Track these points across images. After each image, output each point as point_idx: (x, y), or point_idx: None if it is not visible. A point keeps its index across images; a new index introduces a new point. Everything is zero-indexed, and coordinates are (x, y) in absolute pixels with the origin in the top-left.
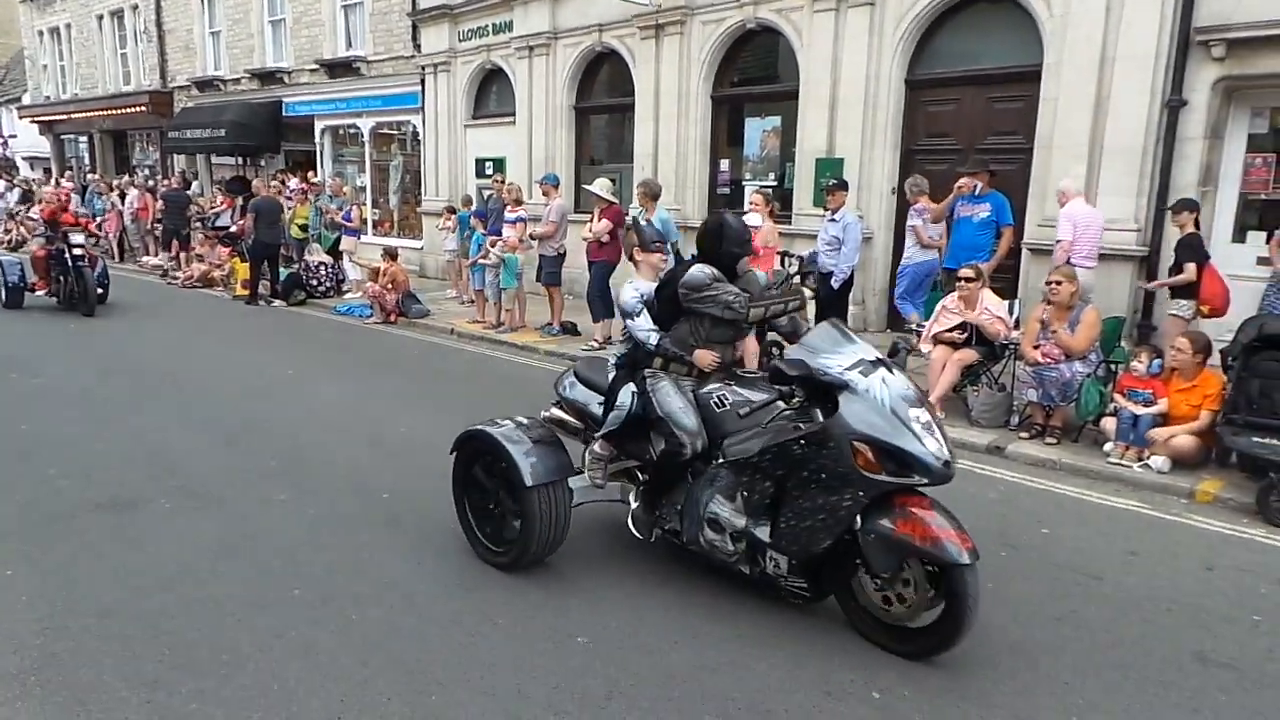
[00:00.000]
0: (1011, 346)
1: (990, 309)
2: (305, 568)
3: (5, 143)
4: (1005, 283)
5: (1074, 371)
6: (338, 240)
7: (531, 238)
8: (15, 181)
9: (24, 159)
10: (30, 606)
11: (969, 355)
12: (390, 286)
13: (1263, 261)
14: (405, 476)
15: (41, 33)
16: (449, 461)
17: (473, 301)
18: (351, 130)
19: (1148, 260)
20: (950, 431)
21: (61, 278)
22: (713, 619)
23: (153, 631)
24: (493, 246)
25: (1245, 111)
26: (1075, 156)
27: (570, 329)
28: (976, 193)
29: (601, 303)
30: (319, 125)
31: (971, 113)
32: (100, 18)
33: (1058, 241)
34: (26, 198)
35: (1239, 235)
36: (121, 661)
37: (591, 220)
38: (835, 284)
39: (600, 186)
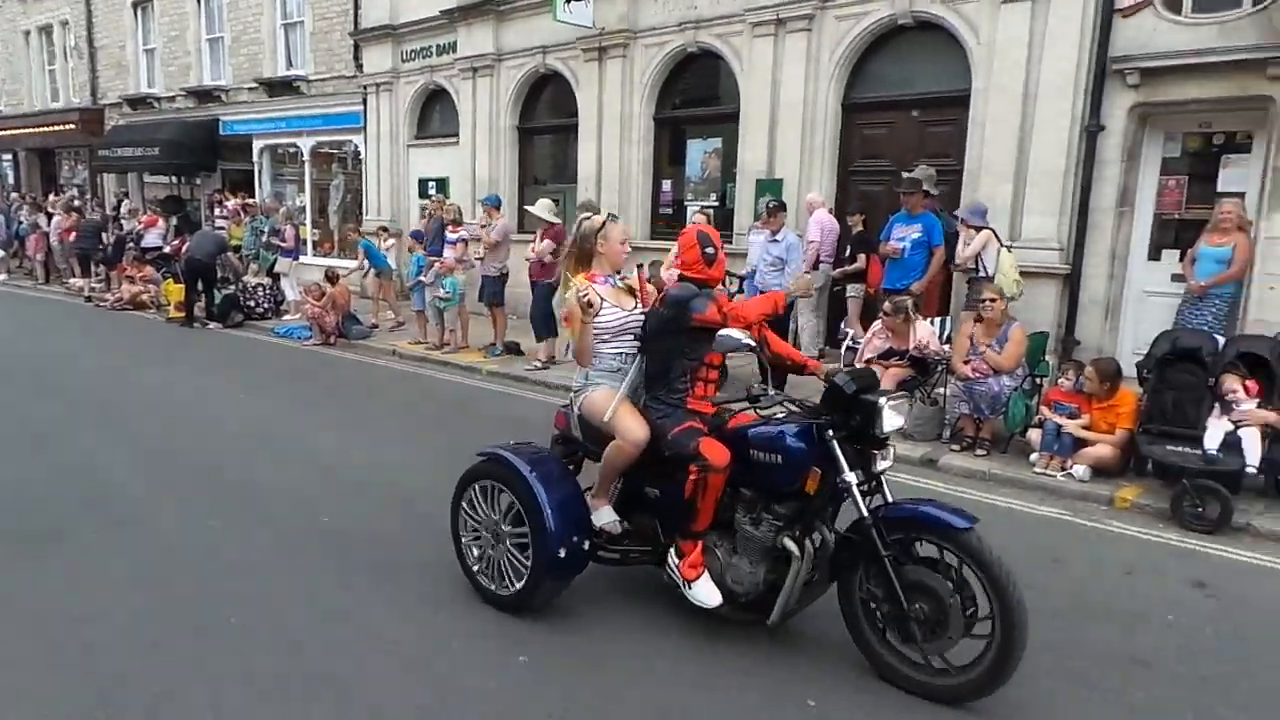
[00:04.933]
0: (943, 362)
1: (923, 338)
2: (243, 595)
3: None
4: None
5: (1002, 386)
6: (275, 261)
7: (477, 258)
8: None
9: None
10: None
11: (902, 371)
12: (330, 308)
13: (1177, 278)
14: (349, 501)
15: None
16: (393, 485)
17: (401, 324)
18: (291, 150)
19: (1070, 278)
20: None
21: None
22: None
23: (85, 668)
24: (432, 266)
25: (1159, 136)
26: (1002, 178)
27: (514, 349)
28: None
29: (544, 322)
30: (257, 144)
31: (905, 136)
32: (27, 33)
33: (810, 242)
34: None
35: (1155, 254)
36: (51, 702)
37: (534, 240)
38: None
39: (541, 207)
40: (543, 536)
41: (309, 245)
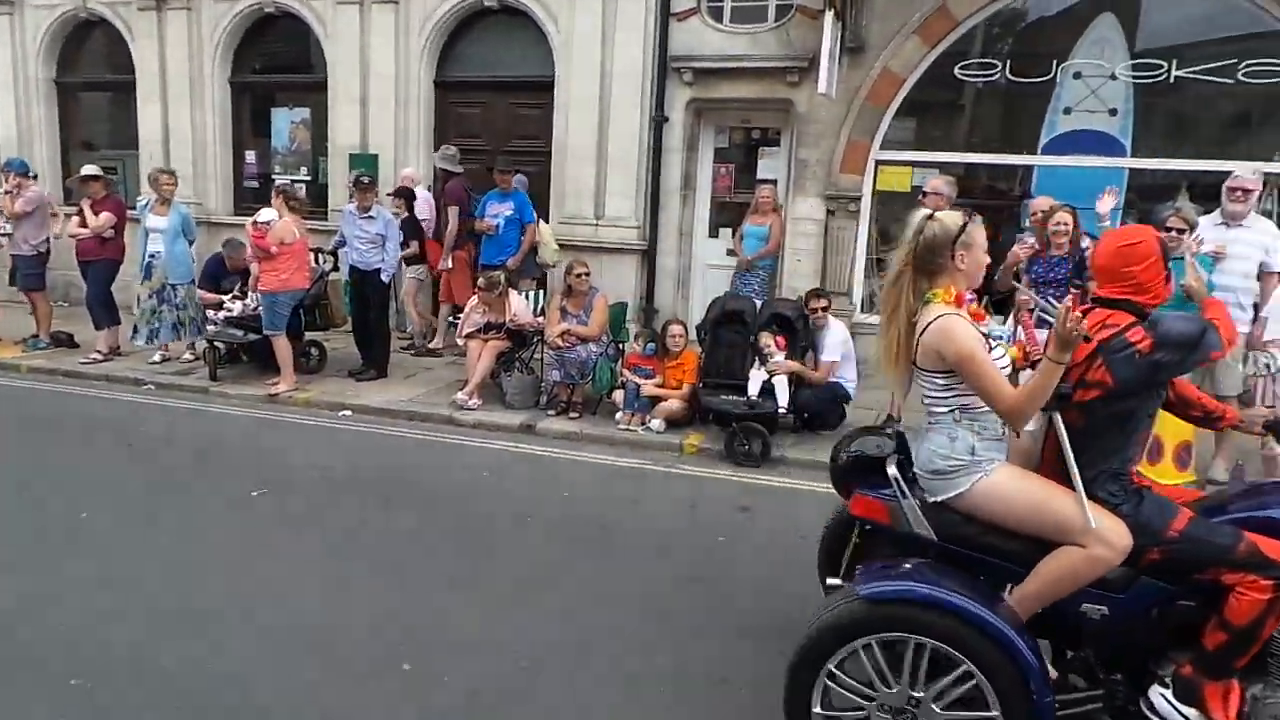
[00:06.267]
0: (537, 333)
1: (518, 312)
2: None
3: None
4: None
5: (589, 352)
6: None
7: (3, 234)
8: None
9: None
10: None
11: (502, 344)
12: None
13: (730, 253)
14: None
15: None
16: None
17: None
18: None
19: (647, 253)
20: (487, 415)
21: None
22: None
23: None
24: None
25: (711, 129)
26: (585, 161)
27: (65, 340)
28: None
29: (104, 308)
30: None
31: (497, 116)
32: None
33: (423, 220)
34: None
35: (714, 232)
36: None
37: (81, 212)
38: (385, 279)
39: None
40: None
41: None
